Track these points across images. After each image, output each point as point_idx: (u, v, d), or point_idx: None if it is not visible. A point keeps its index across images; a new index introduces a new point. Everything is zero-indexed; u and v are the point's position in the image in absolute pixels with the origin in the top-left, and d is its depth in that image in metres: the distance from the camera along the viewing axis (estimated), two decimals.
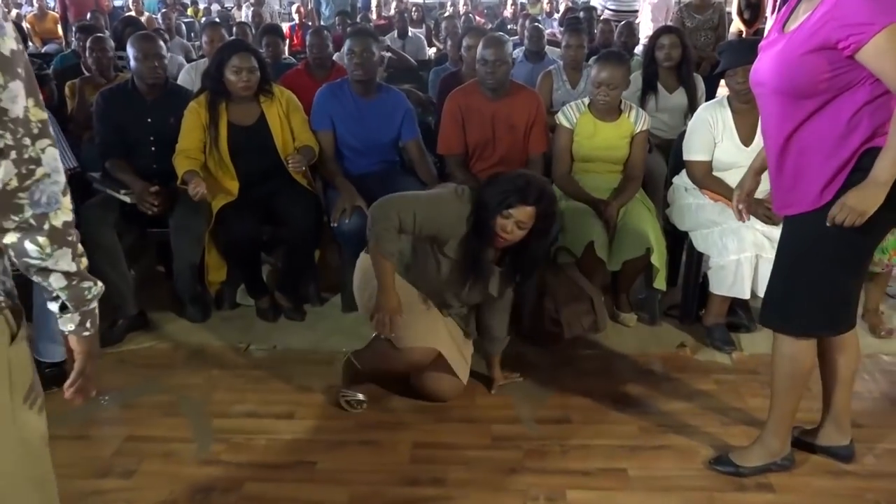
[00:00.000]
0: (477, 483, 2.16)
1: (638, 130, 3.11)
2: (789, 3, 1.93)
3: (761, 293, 2.76)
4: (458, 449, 2.33)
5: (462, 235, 2.29)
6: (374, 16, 9.59)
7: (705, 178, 2.96)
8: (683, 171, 3.10)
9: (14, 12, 10.66)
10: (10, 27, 1.01)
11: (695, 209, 2.98)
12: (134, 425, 2.47)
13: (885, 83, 1.69)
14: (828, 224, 1.79)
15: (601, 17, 6.08)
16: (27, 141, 1.03)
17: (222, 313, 3.28)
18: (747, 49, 2.63)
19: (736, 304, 3.02)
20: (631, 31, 4.79)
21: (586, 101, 3.15)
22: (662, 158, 3.63)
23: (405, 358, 2.39)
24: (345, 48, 3.26)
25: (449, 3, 10.24)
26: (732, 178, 2.69)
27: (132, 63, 3.12)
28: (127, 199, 3.01)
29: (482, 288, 2.40)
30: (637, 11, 6.44)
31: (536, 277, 2.87)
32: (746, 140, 2.89)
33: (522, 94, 3.22)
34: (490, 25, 9.77)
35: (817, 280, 1.92)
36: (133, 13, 9.35)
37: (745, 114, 2.86)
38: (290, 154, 3.11)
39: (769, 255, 2.73)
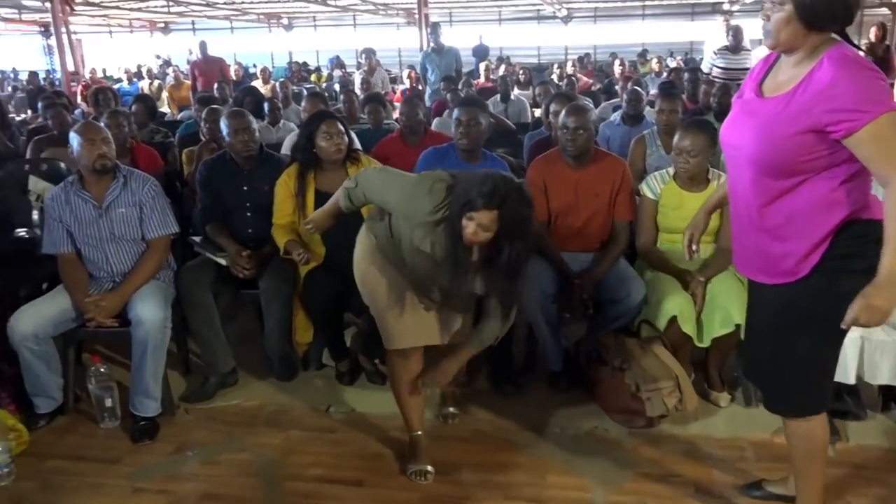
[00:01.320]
0: None
1: None
2: (766, 59, 1.88)
3: (869, 378, 2.56)
4: None
5: (429, 228, 2.25)
6: (482, 79, 9.82)
7: None
8: None
9: (157, 82, 11.73)
10: None
11: None
12: (211, 483, 2.55)
13: (871, 171, 1.66)
14: (843, 326, 1.73)
15: (710, 77, 5.93)
16: None
17: (308, 373, 3.37)
18: None
19: (842, 390, 2.77)
20: (726, 91, 4.62)
21: (671, 170, 3.05)
22: None
23: (398, 366, 2.55)
24: (453, 115, 3.36)
25: (556, 66, 10.33)
26: None
27: (225, 137, 3.34)
28: (222, 262, 3.18)
29: (462, 284, 2.29)
30: (749, 69, 6.23)
31: (615, 346, 2.79)
32: None
33: (607, 162, 3.16)
34: (598, 86, 9.79)
35: (808, 359, 1.89)
36: (260, 81, 10.04)
37: None
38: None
39: (878, 336, 2.52)
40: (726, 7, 21.23)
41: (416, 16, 9.29)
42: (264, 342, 3.30)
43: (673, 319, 2.74)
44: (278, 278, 3.18)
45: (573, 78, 7.74)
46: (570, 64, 9.99)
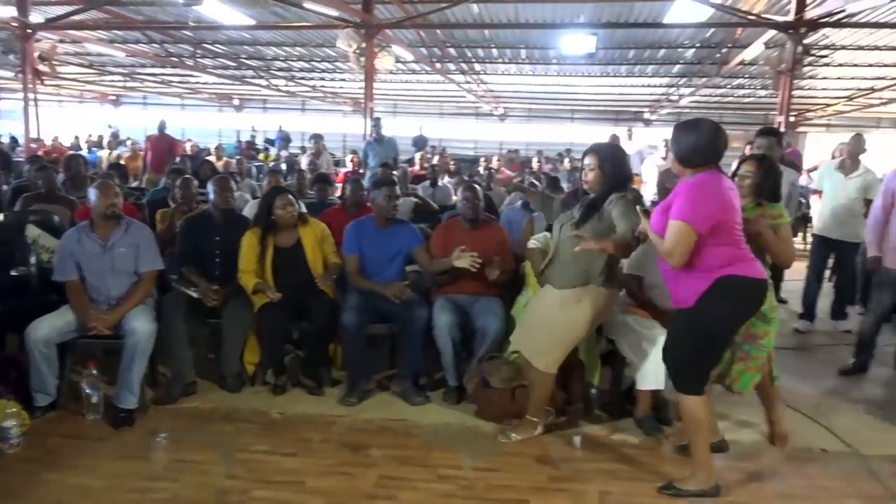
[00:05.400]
0: None
1: None
2: None
3: None
4: None
5: None
6: (417, 167, 11.04)
7: None
8: None
9: (115, 153, 12.57)
10: None
11: None
12: (180, 453, 3.40)
13: None
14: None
15: None
16: None
17: (255, 388, 4.22)
18: None
19: None
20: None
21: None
22: None
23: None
24: (374, 195, 4.38)
25: (483, 159, 11.68)
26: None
27: (211, 195, 4.33)
28: (194, 294, 4.08)
29: None
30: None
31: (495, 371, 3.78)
32: None
33: (492, 227, 4.40)
34: (520, 179, 11.13)
35: (690, 355, 3.01)
36: (214, 157, 11.01)
37: None
38: (321, 273, 4.19)
39: None
40: (647, 116, 23.55)
41: (362, 106, 10.48)
42: (221, 360, 4.17)
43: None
44: (238, 310, 4.10)
45: (491, 170, 9.01)
46: (495, 158, 11.33)
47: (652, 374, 3.61)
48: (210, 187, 4.37)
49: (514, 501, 3.03)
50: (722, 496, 3.09)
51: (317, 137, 9.95)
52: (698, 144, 2.89)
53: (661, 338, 3.56)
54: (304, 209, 4.65)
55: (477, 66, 16.02)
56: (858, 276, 6.04)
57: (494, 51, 14.18)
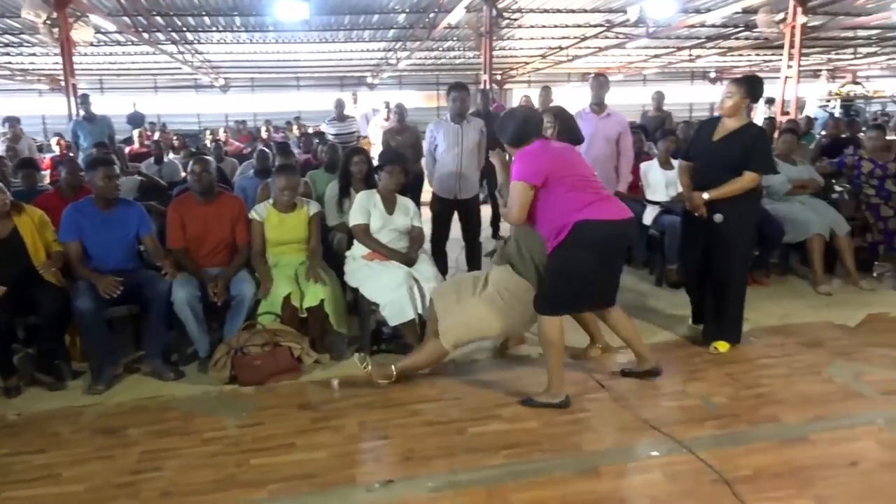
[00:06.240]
0: None
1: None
2: None
3: None
4: None
5: None
6: (136, 145, 10.36)
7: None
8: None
9: None
10: None
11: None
12: None
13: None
14: None
15: (328, 140, 7.45)
16: None
17: None
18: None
19: None
20: (335, 150, 6.10)
21: (270, 201, 4.36)
22: None
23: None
24: (90, 176, 4.14)
25: (209, 132, 11.31)
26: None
27: None
28: None
29: None
30: (354, 132, 7.95)
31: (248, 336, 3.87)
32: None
33: (227, 198, 4.36)
34: (249, 149, 10.99)
35: (550, 286, 3.51)
36: None
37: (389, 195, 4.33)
38: (42, 262, 3.90)
39: None
40: (370, 80, 24.23)
41: (62, 83, 9.51)
42: None
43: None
44: None
45: (219, 142, 8.81)
46: (222, 130, 11.03)
47: (396, 310, 4.01)
48: None
49: (280, 447, 3.22)
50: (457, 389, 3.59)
51: (11, 121, 8.91)
52: (518, 128, 3.47)
53: (399, 276, 3.99)
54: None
55: (189, 36, 15.20)
56: None
57: (206, 19, 13.59)
